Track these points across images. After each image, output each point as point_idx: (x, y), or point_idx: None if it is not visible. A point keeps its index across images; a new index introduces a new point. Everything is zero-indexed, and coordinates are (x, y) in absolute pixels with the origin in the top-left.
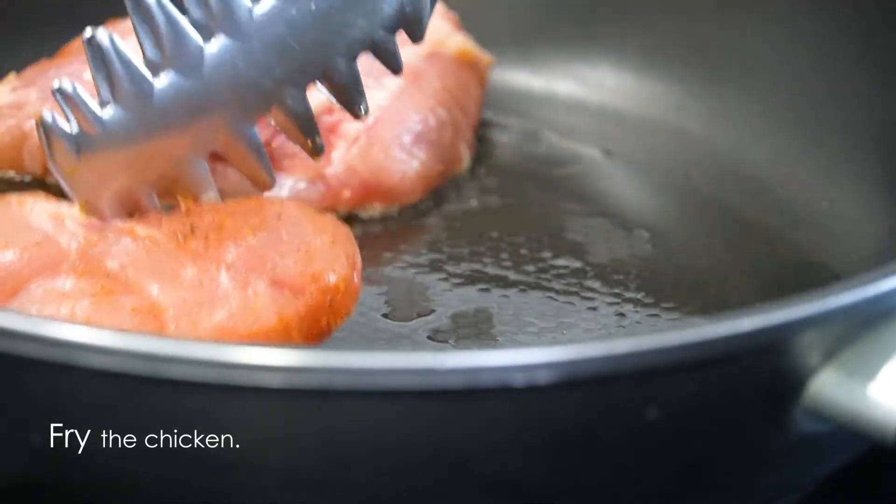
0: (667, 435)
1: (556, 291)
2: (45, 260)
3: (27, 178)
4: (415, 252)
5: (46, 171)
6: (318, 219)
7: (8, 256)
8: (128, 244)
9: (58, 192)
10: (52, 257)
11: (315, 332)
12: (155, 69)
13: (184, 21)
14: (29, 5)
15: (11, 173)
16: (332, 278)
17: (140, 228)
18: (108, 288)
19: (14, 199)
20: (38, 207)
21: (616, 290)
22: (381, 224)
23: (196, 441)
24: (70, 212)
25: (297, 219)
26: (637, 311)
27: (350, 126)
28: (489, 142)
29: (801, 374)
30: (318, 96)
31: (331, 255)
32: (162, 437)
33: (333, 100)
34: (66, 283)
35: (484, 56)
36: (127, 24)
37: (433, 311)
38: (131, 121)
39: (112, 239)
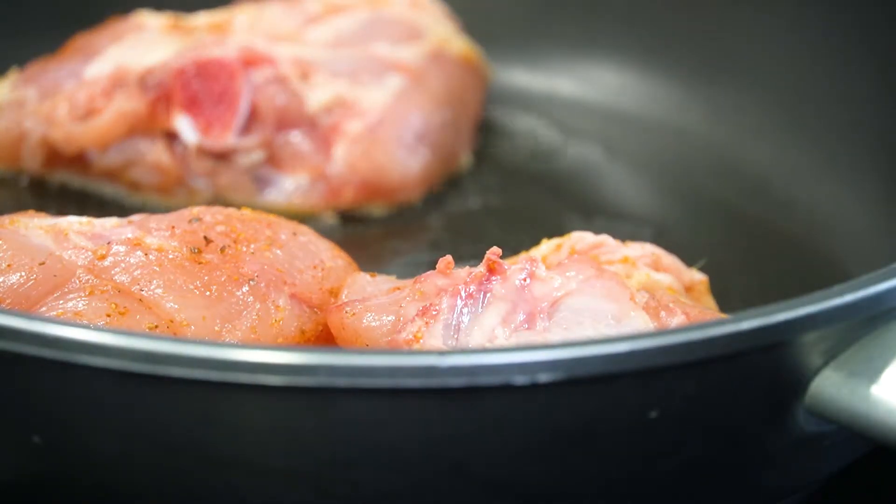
0: (668, 435)
1: None
2: (52, 280)
3: (22, 181)
4: (416, 251)
5: (45, 168)
6: (332, 244)
7: (13, 279)
8: (138, 257)
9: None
10: (58, 275)
11: None
12: None
13: None
14: (32, 3)
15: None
16: None
17: (150, 239)
18: (121, 307)
19: (6, 219)
20: (33, 224)
21: None
22: (382, 223)
23: (196, 441)
24: (72, 224)
25: (314, 239)
26: None
27: (352, 125)
28: (490, 141)
29: (802, 374)
30: (319, 94)
31: (346, 276)
32: (162, 437)
33: None
34: (78, 303)
35: (486, 64)
36: (127, 24)
37: None
38: None
39: (120, 251)
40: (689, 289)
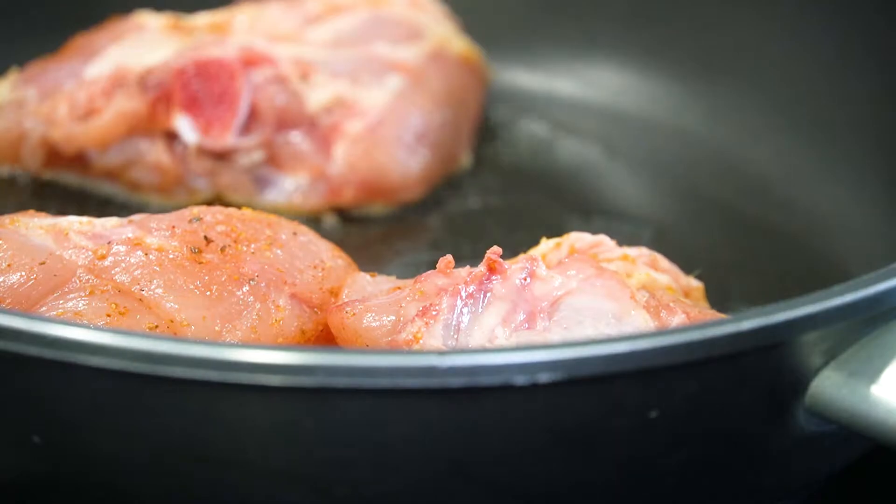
0: (668, 435)
1: None
2: (52, 279)
3: (22, 178)
4: (416, 251)
5: (45, 168)
6: (332, 244)
7: (13, 279)
8: (138, 257)
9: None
10: (59, 275)
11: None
12: None
13: None
14: (32, 3)
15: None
16: None
17: (150, 239)
18: (121, 307)
19: (6, 219)
20: (34, 224)
21: None
22: (383, 223)
23: (196, 441)
24: (72, 224)
25: (314, 239)
26: None
27: (352, 125)
28: (490, 141)
29: (803, 374)
30: (319, 95)
31: (345, 276)
32: (162, 437)
33: None
34: (79, 303)
35: (485, 64)
36: (127, 24)
37: None
38: None
39: (120, 251)
40: (685, 294)
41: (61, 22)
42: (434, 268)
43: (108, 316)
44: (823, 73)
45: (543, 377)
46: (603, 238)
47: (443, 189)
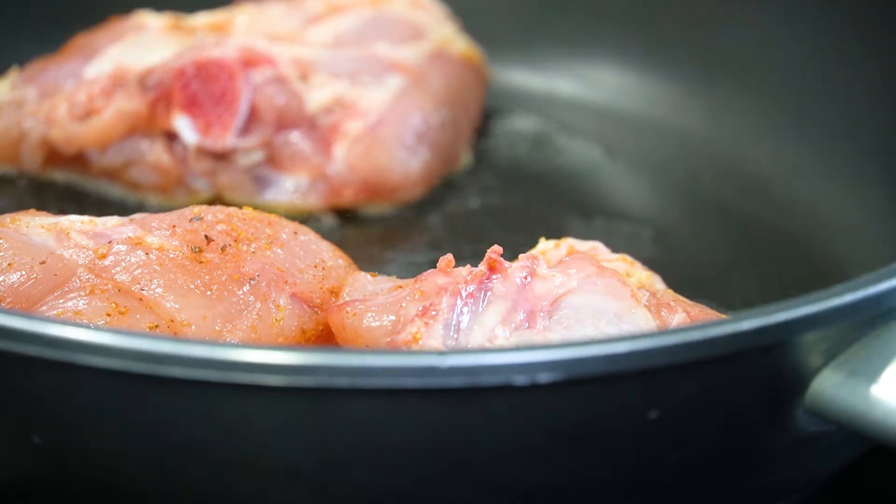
0: (667, 435)
1: None
2: (53, 279)
3: (21, 180)
4: (416, 251)
5: (45, 168)
6: (332, 244)
7: (14, 279)
8: (138, 256)
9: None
10: (59, 274)
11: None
12: None
13: None
14: (32, 3)
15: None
16: None
17: (151, 238)
18: (122, 306)
19: (7, 218)
20: (34, 223)
21: None
22: (382, 223)
23: (196, 441)
24: (73, 223)
25: (314, 238)
26: None
27: (352, 125)
28: (490, 141)
29: (802, 374)
30: (318, 95)
31: (346, 276)
32: (162, 437)
33: None
34: (79, 302)
35: (485, 64)
36: (127, 24)
37: None
38: None
39: (121, 250)
40: None
41: (61, 22)
42: (434, 268)
43: (109, 315)
44: (823, 73)
45: (543, 377)
46: (597, 244)
47: (443, 189)
